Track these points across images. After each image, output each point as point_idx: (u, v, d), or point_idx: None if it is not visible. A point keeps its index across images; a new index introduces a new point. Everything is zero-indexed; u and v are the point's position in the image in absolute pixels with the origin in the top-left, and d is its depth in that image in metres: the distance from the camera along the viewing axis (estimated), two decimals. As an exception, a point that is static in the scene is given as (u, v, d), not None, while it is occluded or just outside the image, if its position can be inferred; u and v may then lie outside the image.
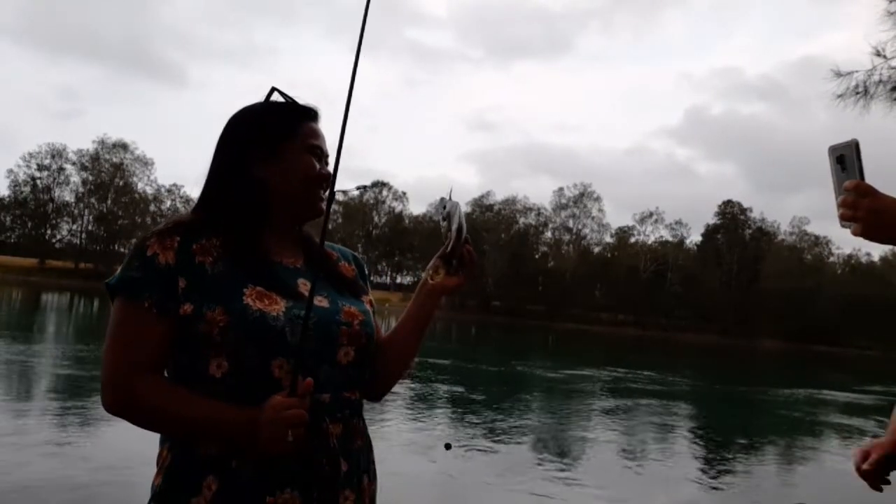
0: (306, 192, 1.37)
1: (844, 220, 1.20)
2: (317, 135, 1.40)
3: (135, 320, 1.24)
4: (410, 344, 1.46)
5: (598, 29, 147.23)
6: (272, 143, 1.36)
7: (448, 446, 8.21)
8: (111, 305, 1.29)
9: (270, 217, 1.37)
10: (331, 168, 1.38)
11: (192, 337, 1.25)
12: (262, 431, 1.18)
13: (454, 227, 1.40)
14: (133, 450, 6.32)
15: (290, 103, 1.40)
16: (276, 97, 1.41)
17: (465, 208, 1.45)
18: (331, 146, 1.42)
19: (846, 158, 1.23)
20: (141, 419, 1.26)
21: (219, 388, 1.24)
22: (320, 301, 1.33)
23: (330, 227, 1.47)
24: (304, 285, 1.35)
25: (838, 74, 7.63)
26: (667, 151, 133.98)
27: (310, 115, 1.41)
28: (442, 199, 1.45)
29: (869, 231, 1.19)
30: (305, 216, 1.42)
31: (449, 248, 1.41)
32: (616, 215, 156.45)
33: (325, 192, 1.38)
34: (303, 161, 1.36)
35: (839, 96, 7.62)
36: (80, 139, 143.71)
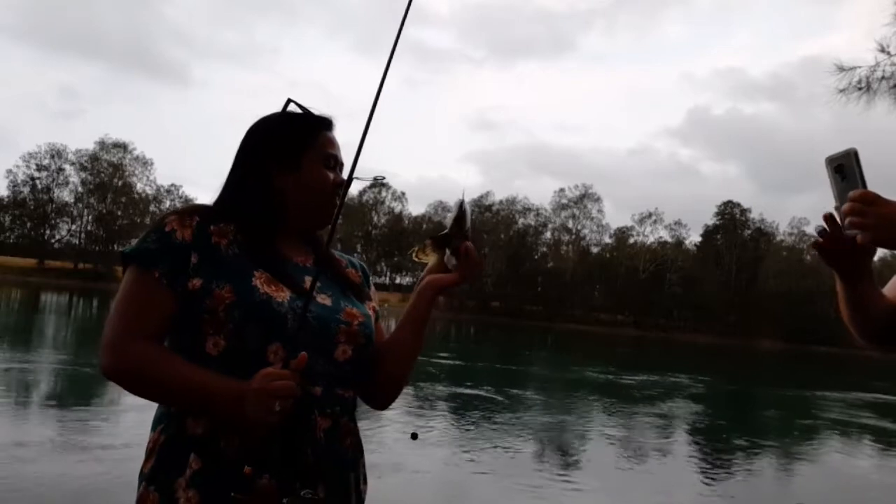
0: (322, 203, 1.42)
1: (853, 227, 1.21)
2: (333, 144, 1.44)
3: (143, 289, 1.29)
4: (410, 343, 1.45)
5: (600, 29, 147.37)
6: (294, 156, 1.40)
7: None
8: (123, 274, 1.32)
9: (284, 222, 1.41)
10: (344, 176, 1.42)
11: (195, 313, 1.28)
12: (251, 401, 1.20)
13: (453, 214, 1.39)
14: (138, 449, 6.31)
15: (308, 114, 1.44)
16: (291, 108, 1.44)
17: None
18: (342, 147, 1.46)
19: (845, 167, 1.23)
20: (135, 384, 1.28)
21: (213, 366, 1.27)
22: (323, 299, 1.37)
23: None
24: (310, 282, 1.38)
25: (841, 69, 7.61)
26: (670, 151, 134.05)
27: (325, 124, 1.45)
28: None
29: (878, 237, 1.20)
30: (319, 225, 1.46)
31: (445, 232, 1.40)
32: (620, 216, 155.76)
33: (338, 199, 1.42)
34: (321, 174, 1.41)
35: (841, 91, 7.60)
36: (80, 139, 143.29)
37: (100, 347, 1.28)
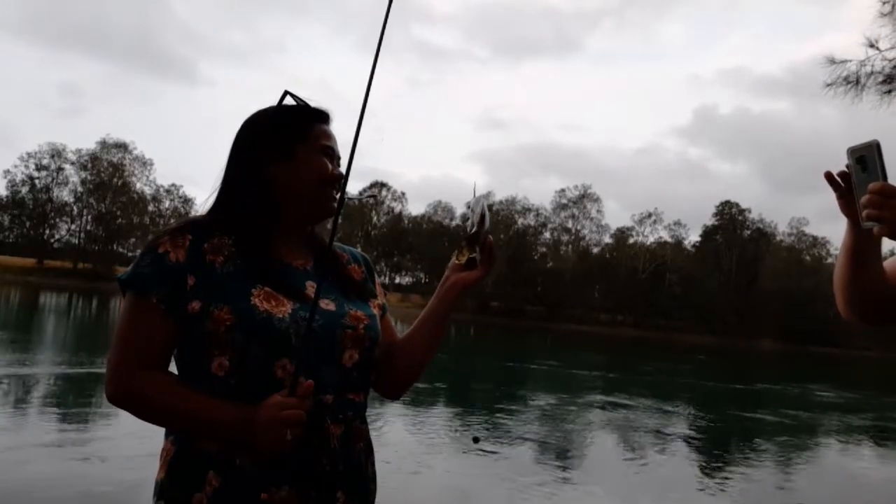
0: (319, 192, 1.40)
1: (870, 220, 1.21)
2: (329, 136, 1.43)
3: (142, 316, 1.28)
4: (429, 340, 1.47)
5: (607, 28, 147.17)
6: (286, 145, 1.39)
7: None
8: (122, 300, 1.32)
9: (282, 218, 1.39)
10: (342, 169, 1.41)
11: (198, 335, 1.28)
12: (261, 430, 1.21)
13: (478, 209, 1.42)
14: (140, 448, 6.32)
15: (303, 106, 1.43)
16: (288, 100, 1.43)
17: (465, 208, 1.47)
18: (341, 145, 1.45)
19: (867, 159, 1.23)
20: (141, 411, 1.29)
21: (220, 386, 1.27)
22: (327, 304, 1.35)
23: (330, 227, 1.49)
24: (312, 287, 1.36)
25: (832, 62, 7.66)
26: (678, 151, 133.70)
27: (322, 117, 1.44)
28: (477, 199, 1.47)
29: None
30: (317, 217, 1.44)
31: (472, 230, 1.42)
32: (625, 216, 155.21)
33: (336, 192, 1.41)
34: (316, 162, 1.39)
35: (829, 85, 7.65)
36: (82, 138, 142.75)
37: (105, 376, 1.29)
